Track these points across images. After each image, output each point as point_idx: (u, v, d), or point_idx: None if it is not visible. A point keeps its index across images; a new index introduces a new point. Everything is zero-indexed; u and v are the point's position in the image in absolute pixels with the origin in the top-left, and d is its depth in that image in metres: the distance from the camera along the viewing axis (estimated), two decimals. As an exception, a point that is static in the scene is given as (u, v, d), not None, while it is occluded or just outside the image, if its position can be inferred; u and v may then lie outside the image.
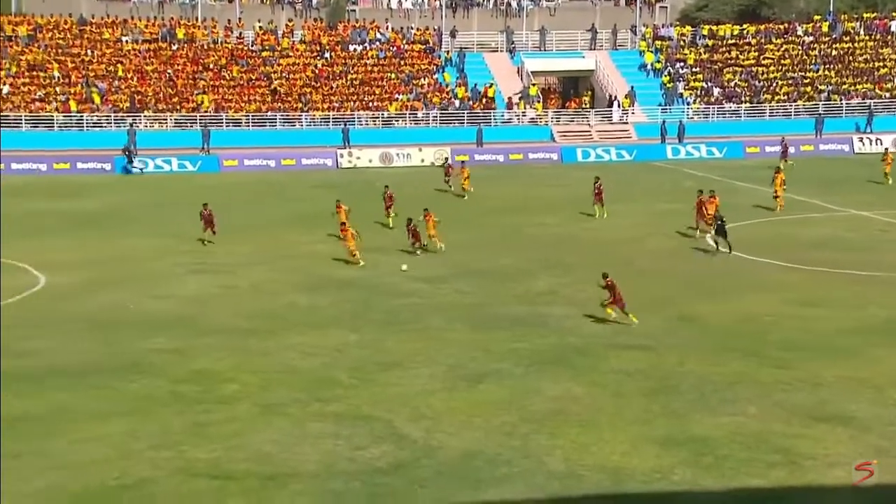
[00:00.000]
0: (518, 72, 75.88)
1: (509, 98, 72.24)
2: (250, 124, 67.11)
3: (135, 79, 68.29)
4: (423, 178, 55.30)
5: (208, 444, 19.70)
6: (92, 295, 31.17)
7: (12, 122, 62.77)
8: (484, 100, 72.14)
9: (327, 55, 73.71)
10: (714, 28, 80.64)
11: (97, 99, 65.84)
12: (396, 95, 71.13)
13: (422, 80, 73.30)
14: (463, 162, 53.91)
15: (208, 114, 66.47)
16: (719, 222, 36.20)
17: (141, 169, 57.16)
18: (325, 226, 40.55)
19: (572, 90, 79.72)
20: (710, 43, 79.18)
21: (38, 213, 44.38)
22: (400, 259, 35.47)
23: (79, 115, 64.49)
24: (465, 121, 70.09)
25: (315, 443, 19.76)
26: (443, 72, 74.69)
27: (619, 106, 72.78)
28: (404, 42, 76.56)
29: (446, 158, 58.67)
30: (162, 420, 20.99)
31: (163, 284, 32.52)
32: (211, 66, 70.60)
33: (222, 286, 32.70)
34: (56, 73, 67.05)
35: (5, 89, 64.66)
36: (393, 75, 72.90)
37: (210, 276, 33.89)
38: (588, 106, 74.67)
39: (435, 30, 78.21)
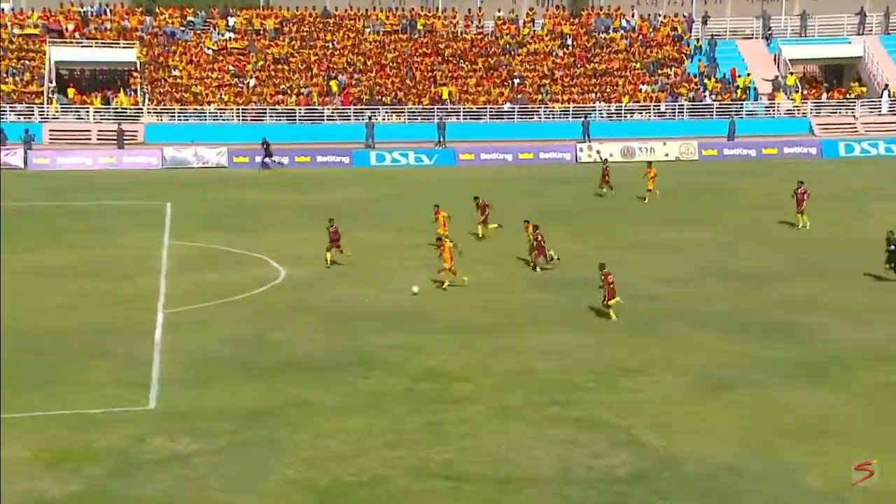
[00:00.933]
0: (774, 60, 73.33)
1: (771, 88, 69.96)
2: (488, 117, 68.02)
3: (374, 71, 70.59)
4: (668, 173, 54.40)
5: (442, 444, 20.14)
6: (329, 288, 32.47)
7: (256, 114, 66.23)
8: (736, 90, 70.20)
9: (569, 44, 73.75)
10: None
11: (336, 89, 68.47)
12: (640, 86, 70.30)
13: (668, 69, 72.12)
14: (650, 162, 51.71)
15: (445, 106, 67.85)
16: None
17: (281, 163, 58.42)
18: (563, 222, 40.61)
19: (835, 79, 76.28)
20: None
21: (280, 205, 46.64)
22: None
23: (319, 108, 67.34)
24: (715, 113, 68.40)
25: (551, 447, 19.86)
26: (692, 60, 73.21)
27: (889, 96, 69.06)
28: (651, 30, 75.56)
29: (605, 159, 54.28)
30: (397, 418, 21.62)
31: (398, 279, 33.44)
32: (450, 57, 72.04)
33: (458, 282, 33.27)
34: (300, 66, 70.21)
35: (251, 83, 68.28)
36: (638, 65, 72.10)
37: (432, 272, 34.55)
38: (854, 96, 71.27)
39: (685, 16, 76.76)
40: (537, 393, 22.92)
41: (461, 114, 67.79)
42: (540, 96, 69.26)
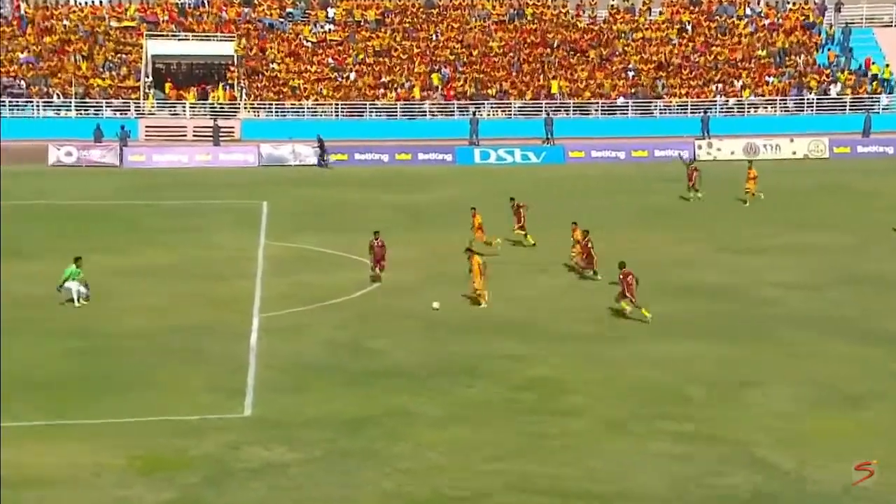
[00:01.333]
0: (916, 49, 71.52)
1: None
2: (599, 112, 67.77)
3: (480, 63, 70.83)
4: (796, 172, 53.56)
5: (545, 458, 20.25)
6: (430, 292, 32.75)
7: (356, 110, 67.07)
8: (872, 83, 68.65)
9: (688, 32, 72.98)
10: None
11: (438, 82, 68.82)
12: (767, 78, 69.24)
13: (797, 59, 70.89)
14: (751, 161, 50.46)
15: (555, 101, 67.78)
16: None
17: (329, 163, 58.44)
18: (673, 223, 40.27)
19: None
20: None
21: (379, 205, 47.15)
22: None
23: (421, 102, 67.85)
24: (847, 107, 67.01)
25: (662, 464, 19.79)
26: (822, 50, 71.83)
27: None
28: (778, 17, 74.37)
29: (690, 160, 52.35)
30: (499, 429, 21.81)
31: (504, 284, 33.57)
32: (560, 47, 71.92)
33: (563, 287, 33.32)
34: (401, 58, 70.83)
35: (351, 76, 69.18)
36: (763, 52, 70.97)
37: (556, 276, 34.59)
38: None
39: (816, 3, 75.32)
40: (646, 405, 22.85)
41: (570, 109, 67.63)
42: (656, 89, 68.70)
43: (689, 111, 66.99)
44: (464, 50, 71.79)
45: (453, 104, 67.83)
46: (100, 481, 19.49)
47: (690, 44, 72.07)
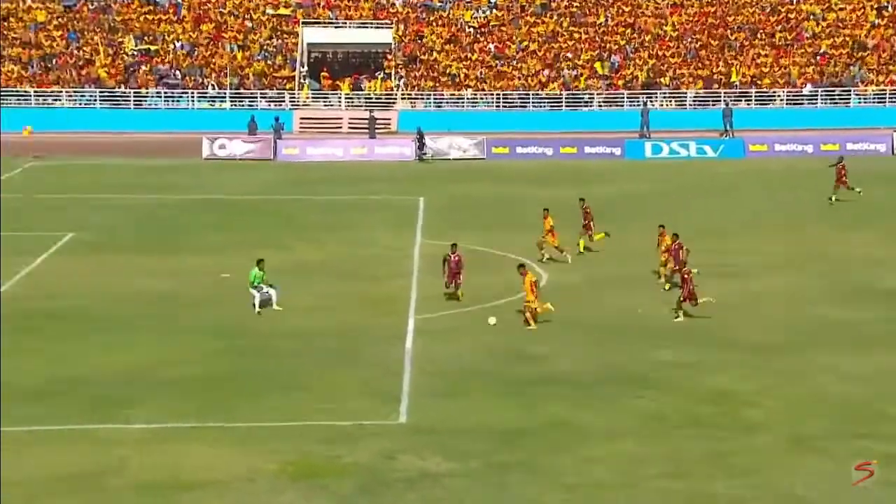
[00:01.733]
0: None
1: None
2: (784, 101, 66.11)
3: (653, 49, 69.86)
4: None
5: (728, 477, 19.75)
6: (596, 295, 32.41)
7: (518, 100, 66.98)
8: None
9: (888, 12, 70.43)
10: None
11: (604, 71, 68.04)
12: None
13: None
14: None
15: (734, 89, 66.41)
16: None
17: (427, 156, 57.77)
18: (868, 223, 38.95)
19: None
20: None
21: (542, 201, 46.74)
22: None
23: (588, 92, 67.32)
24: None
25: (859, 488, 19.06)
26: None
27: None
28: None
29: (840, 157, 47.98)
30: (675, 444, 21.37)
31: (675, 288, 33.03)
32: (741, 30, 70.34)
33: (743, 292, 32.62)
34: (568, 45, 70.39)
35: (514, 64, 69.09)
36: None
37: (729, 279, 33.92)
38: None
39: None
40: (838, 423, 22.15)
41: (752, 98, 66.20)
42: (849, 75, 66.59)
43: (886, 101, 64.78)
44: (635, 35, 70.96)
45: (623, 94, 67.14)
46: (253, 487, 19.81)
47: (892, 25, 69.52)
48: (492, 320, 29.59)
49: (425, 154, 58.34)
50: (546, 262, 35.82)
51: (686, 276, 29.75)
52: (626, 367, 26.04)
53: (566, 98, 66.84)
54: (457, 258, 31.54)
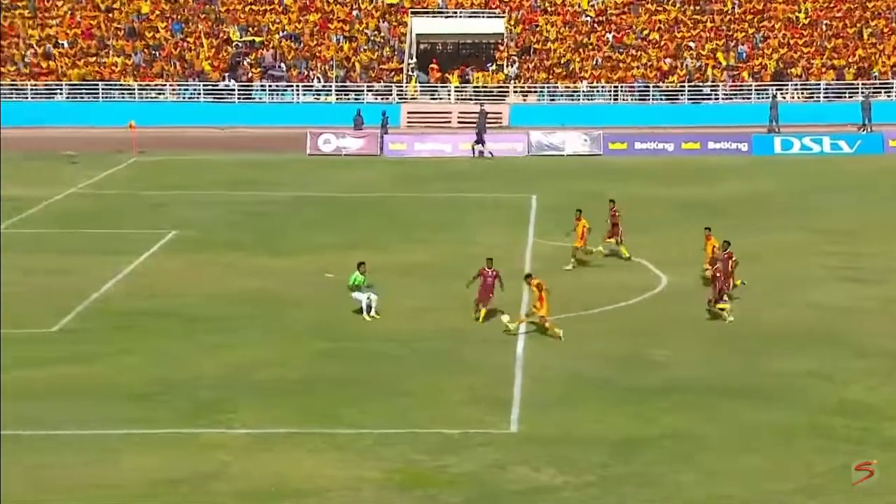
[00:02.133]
0: None
1: None
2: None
3: (783, 37, 68.77)
4: None
5: (869, 496, 19.33)
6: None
7: (638, 93, 66.44)
8: None
9: None
10: None
11: (727, 62, 67.12)
12: None
13: None
14: None
15: (873, 80, 65.06)
16: None
17: (489, 153, 56.79)
18: None
19: None
20: None
21: (661, 200, 46.56)
22: None
23: (712, 84, 66.61)
24: None
25: None
26: None
27: None
28: None
29: None
30: (806, 459, 21.12)
31: (802, 291, 32.61)
32: (882, 15, 68.84)
33: (880, 298, 32.08)
34: (692, 33, 69.70)
35: (632, 54, 68.61)
36: None
37: (863, 284, 33.43)
38: None
39: None
40: None
41: (892, 90, 64.87)
42: None
43: None
44: (764, 22, 69.97)
45: (750, 86, 66.29)
46: (359, 496, 19.98)
47: None
48: (504, 318, 29.41)
49: (481, 150, 57.96)
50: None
51: (717, 273, 29.87)
52: (749, 375, 25.81)
53: (688, 90, 66.19)
54: (493, 274, 30.34)
